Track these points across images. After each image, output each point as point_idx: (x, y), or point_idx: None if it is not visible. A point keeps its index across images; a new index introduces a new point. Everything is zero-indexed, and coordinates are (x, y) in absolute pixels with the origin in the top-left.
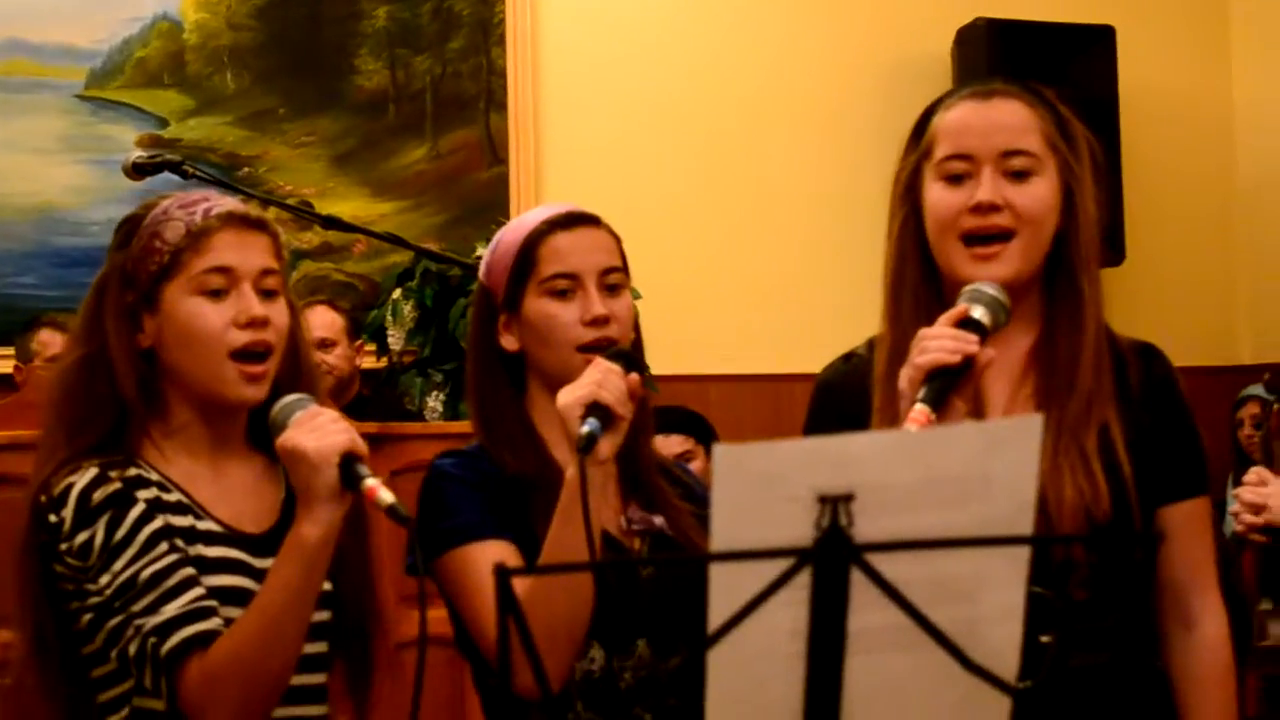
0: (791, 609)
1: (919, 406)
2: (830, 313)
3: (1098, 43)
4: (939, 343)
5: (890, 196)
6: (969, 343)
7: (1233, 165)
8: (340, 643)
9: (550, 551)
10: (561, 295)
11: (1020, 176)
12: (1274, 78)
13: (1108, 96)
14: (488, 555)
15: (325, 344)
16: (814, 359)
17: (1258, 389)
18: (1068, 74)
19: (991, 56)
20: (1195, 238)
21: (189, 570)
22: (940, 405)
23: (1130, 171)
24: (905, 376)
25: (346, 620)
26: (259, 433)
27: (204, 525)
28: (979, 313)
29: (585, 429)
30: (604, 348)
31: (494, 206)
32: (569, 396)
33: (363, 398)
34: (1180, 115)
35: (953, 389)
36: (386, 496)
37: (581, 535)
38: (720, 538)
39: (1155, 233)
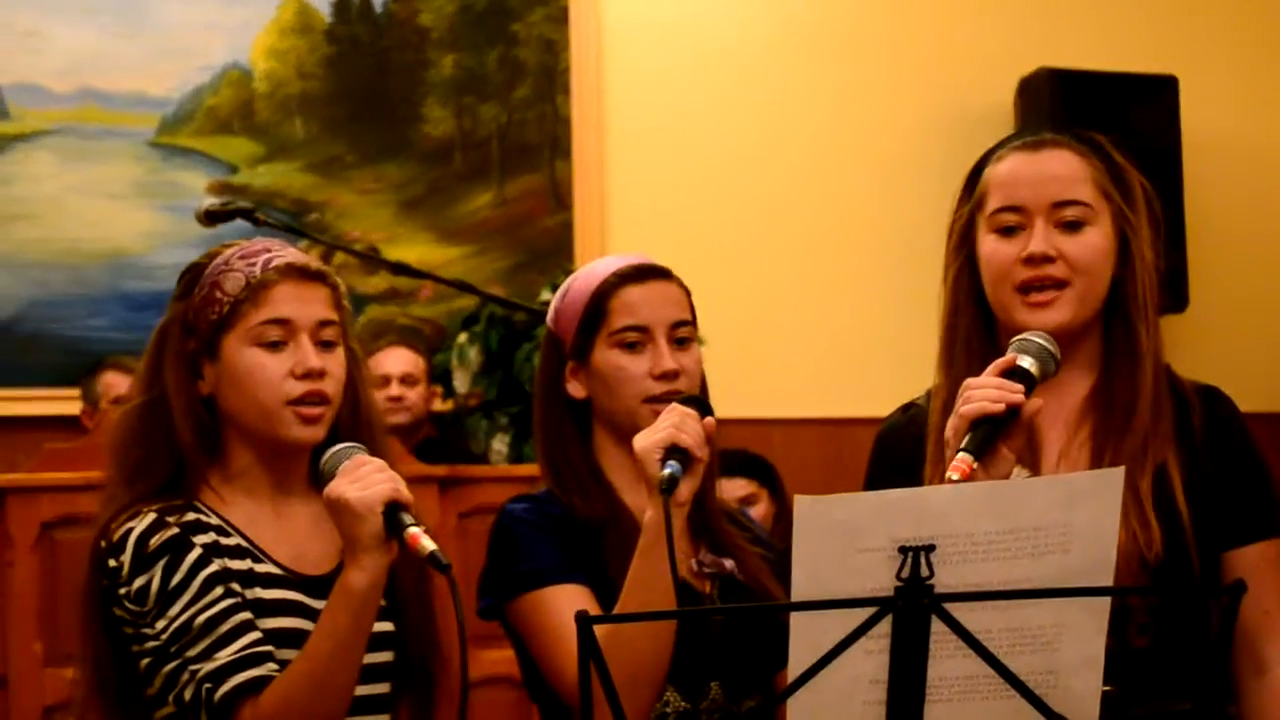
0: (872, 657)
1: (961, 455)
2: (892, 357)
3: (1160, 92)
4: (983, 392)
5: (945, 247)
6: (1014, 392)
7: None
8: (404, 683)
9: (632, 592)
10: (631, 347)
11: (1073, 227)
12: None
13: (1170, 145)
14: (564, 599)
15: (408, 379)
16: (875, 402)
17: None
18: (1130, 123)
19: (1054, 106)
20: (1259, 285)
21: (244, 615)
22: (984, 454)
23: (1193, 219)
24: (950, 426)
25: (410, 661)
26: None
27: (263, 568)
28: (1026, 362)
29: (667, 471)
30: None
31: (559, 252)
32: (647, 440)
33: (431, 440)
34: (1243, 163)
35: (998, 438)
36: (428, 544)
37: (662, 575)
38: (801, 587)
39: (1219, 280)
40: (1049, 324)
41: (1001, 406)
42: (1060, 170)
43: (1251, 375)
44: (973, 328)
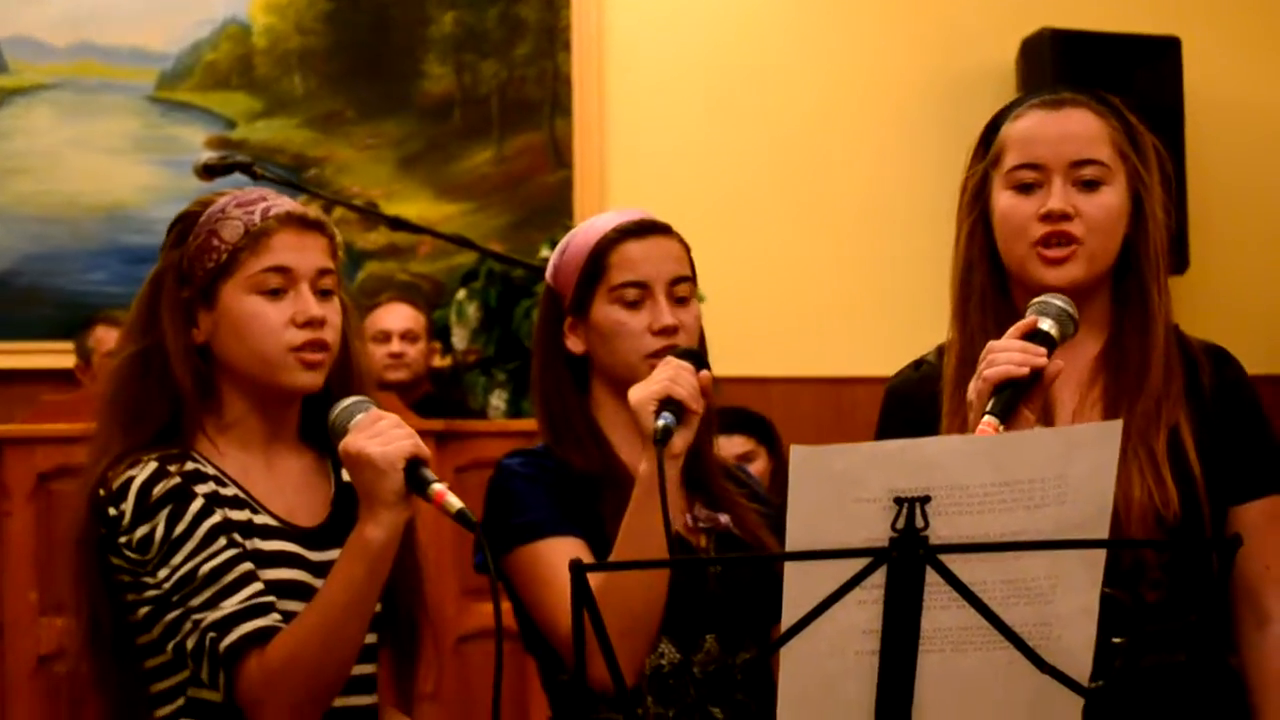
0: (866, 608)
1: (987, 418)
2: (891, 316)
3: (1163, 53)
4: (1007, 355)
5: (958, 204)
6: (1037, 355)
7: None
8: (390, 634)
9: (625, 542)
10: (631, 304)
11: (1090, 186)
12: None
13: (1173, 106)
14: (560, 551)
15: (409, 336)
16: (875, 362)
17: None
18: (1133, 84)
19: (1056, 67)
20: (1260, 247)
21: (247, 565)
22: (1009, 417)
23: (1195, 181)
24: (974, 389)
25: (396, 612)
26: (310, 427)
27: (260, 519)
28: (1047, 324)
29: (661, 422)
30: None
31: (558, 210)
32: (642, 392)
33: (429, 396)
34: (1245, 126)
35: (1021, 400)
36: (455, 502)
37: (655, 527)
38: (796, 537)
39: (1219, 242)
40: (1063, 280)
41: (1026, 370)
42: (1079, 129)
43: (1252, 337)
44: (986, 284)
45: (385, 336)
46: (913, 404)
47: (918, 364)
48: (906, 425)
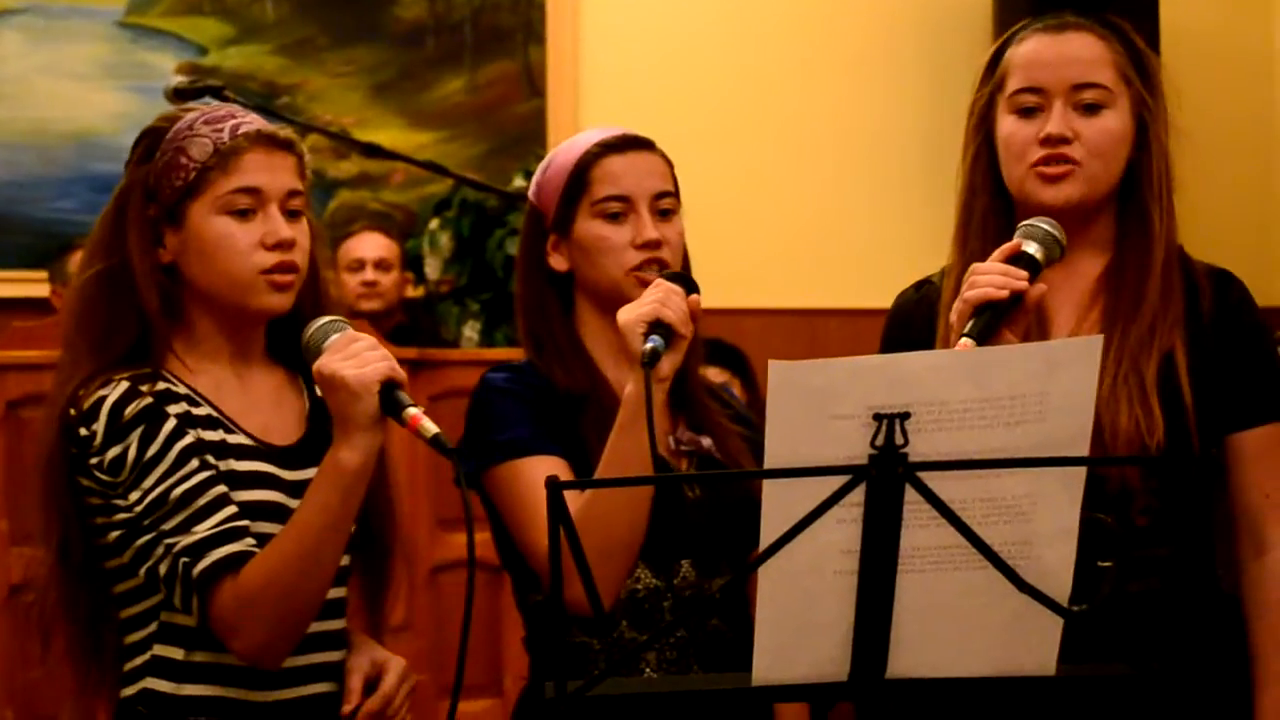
0: (844, 526)
1: (963, 340)
2: (865, 248)
3: None
4: (988, 278)
5: (964, 128)
6: (1018, 278)
7: (1273, 107)
8: (362, 556)
9: (609, 465)
10: (613, 218)
11: (1091, 109)
12: None
13: (1148, 39)
14: (540, 469)
15: (383, 264)
16: (848, 293)
17: None
18: (1108, 16)
19: None
20: (1235, 179)
21: (220, 488)
22: (988, 339)
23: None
24: (955, 310)
25: (368, 535)
26: (276, 345)
27: (235, 439)
28: (1032, 248)
29: (649, 345)
30: (654, 271)
31: (531, 139)
32: (631, 314)
33: (402, 326)
34: (1221, 57)
35: (1002, 323)
36: (431, 427)
37: (640, 449)
38: (774, 454)
39: (1194, 173)
40: (1060, 199)
41: (1005, 293)
42: (1081, 53)
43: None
44: (988, 208)
45: (359, 265)
46: (911, 325)
47: (920, 284)
48: (906, 346)
